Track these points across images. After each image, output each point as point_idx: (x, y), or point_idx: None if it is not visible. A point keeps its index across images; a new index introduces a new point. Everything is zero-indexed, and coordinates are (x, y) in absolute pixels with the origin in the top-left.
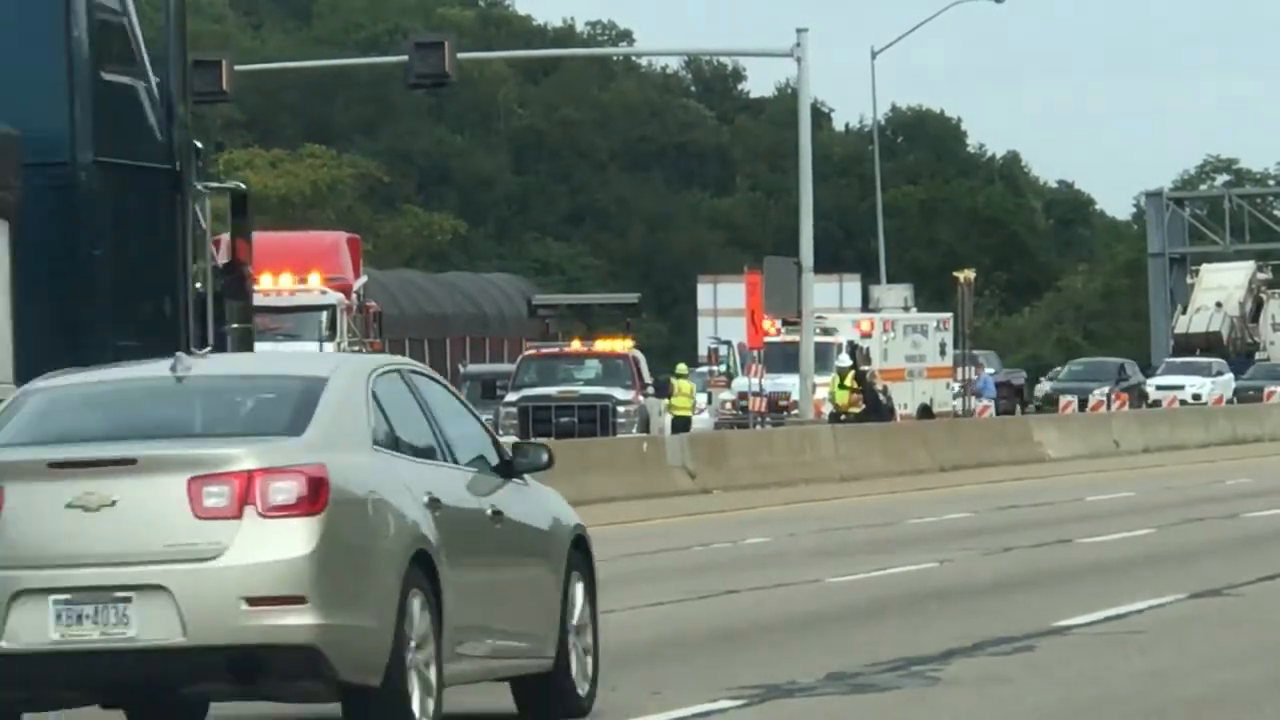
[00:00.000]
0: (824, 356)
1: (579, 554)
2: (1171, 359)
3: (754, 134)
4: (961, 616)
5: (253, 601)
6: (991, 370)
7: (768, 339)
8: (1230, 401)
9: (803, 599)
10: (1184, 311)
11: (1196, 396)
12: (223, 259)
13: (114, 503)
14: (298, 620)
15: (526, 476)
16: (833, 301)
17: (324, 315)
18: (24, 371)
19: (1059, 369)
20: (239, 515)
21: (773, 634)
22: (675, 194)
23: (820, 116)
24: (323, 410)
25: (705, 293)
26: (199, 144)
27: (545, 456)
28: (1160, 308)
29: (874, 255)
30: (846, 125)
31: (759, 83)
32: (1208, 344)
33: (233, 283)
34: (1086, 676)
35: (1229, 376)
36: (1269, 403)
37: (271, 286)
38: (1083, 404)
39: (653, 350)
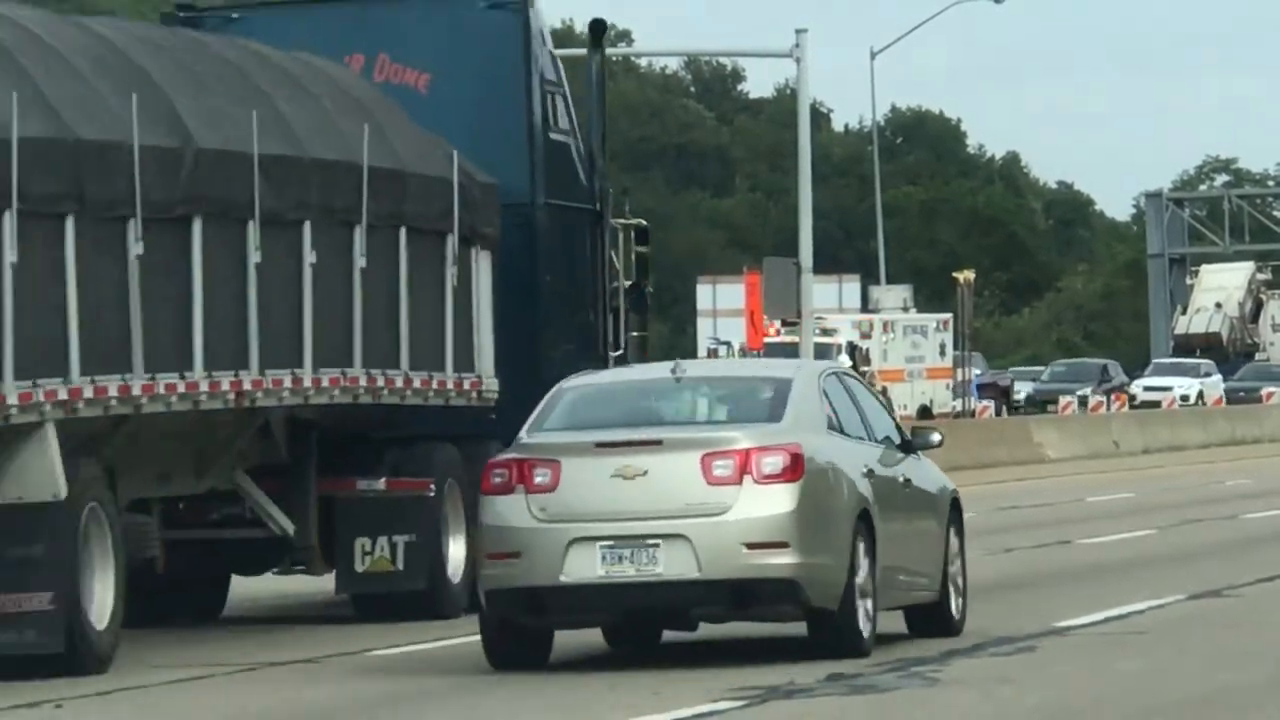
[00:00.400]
0: (823, 357)
1: (954, 512)
2: (1160, 360)
3: (754, 134)
4: None
5: (750, 546)
6: (978, 371)
7: (767, 339)
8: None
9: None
10: (1184, 312)
11: (1185, 398)
12: (628, 280)
13: (645, 473)
14: (783, 560)
15: (919, 452)
16: (832, 302)
17: None
18: (498, 368)
19: (1020, 369)
20: (739, 482)
21: (773, 634)
22: (675, 194)
23: (820, 117)
24: (793, 403)
25: (705, 293)
26: (611, 188)
27: (937, 437)
28: (1160, 308)
29: (874, 255)
30: (846, 126)
31: (759, 83)
32: (1207, 344)
33: (636, 299)
34: (1086, 676)
35: (1217, 378)
36: (1269, 404)
37: None
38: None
39: (653, 350)
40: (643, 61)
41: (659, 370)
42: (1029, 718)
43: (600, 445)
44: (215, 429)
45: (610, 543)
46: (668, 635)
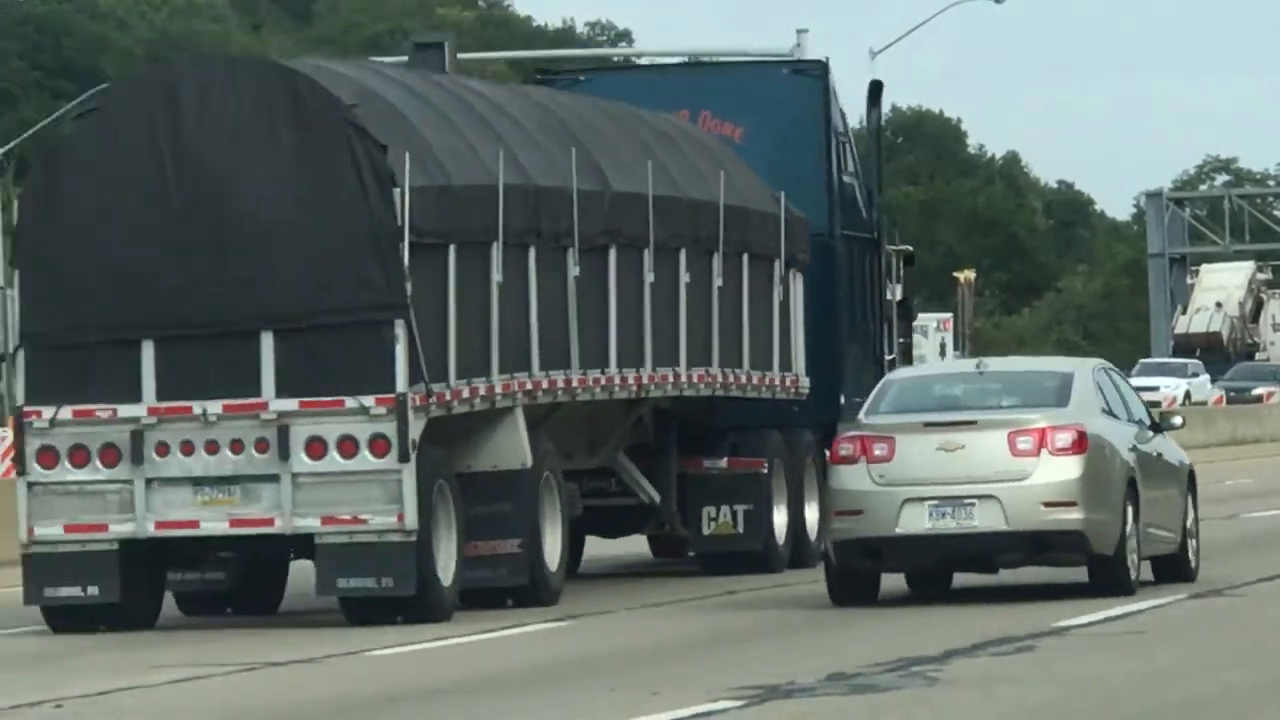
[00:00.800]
0: None
1: (1190, 482)
2: (1146, 360)
3: None
4: (961, 616)
5: (1046, 504)
6: None
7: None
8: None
9: (803, 599)
10: (1184, 312)
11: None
12: (898, 296)
13: (963, 447)
14: (1072, 515)
15: (1164, 432)
16: None
17: None
18: (809, 368)
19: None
20: (1038, 454)
21: (773, 634)
22: None
23: None
24: (1075, 391)
25: None
26: (887, 219)
27: (1179, 420)
28: (1160, 308)
29: None
30: None
31: None
32: (1208, 344)
33: (903, 312)
34: (1086, 676)
35: (1204, 378)
36: (1269, 403)
37: None
38: None
39: None
40: (643, 61)
41: (965, 366)
42: (1029, 718)
43: (927, 425)
44: (607, 417)
45: (936, 502)
46: (959, 579)
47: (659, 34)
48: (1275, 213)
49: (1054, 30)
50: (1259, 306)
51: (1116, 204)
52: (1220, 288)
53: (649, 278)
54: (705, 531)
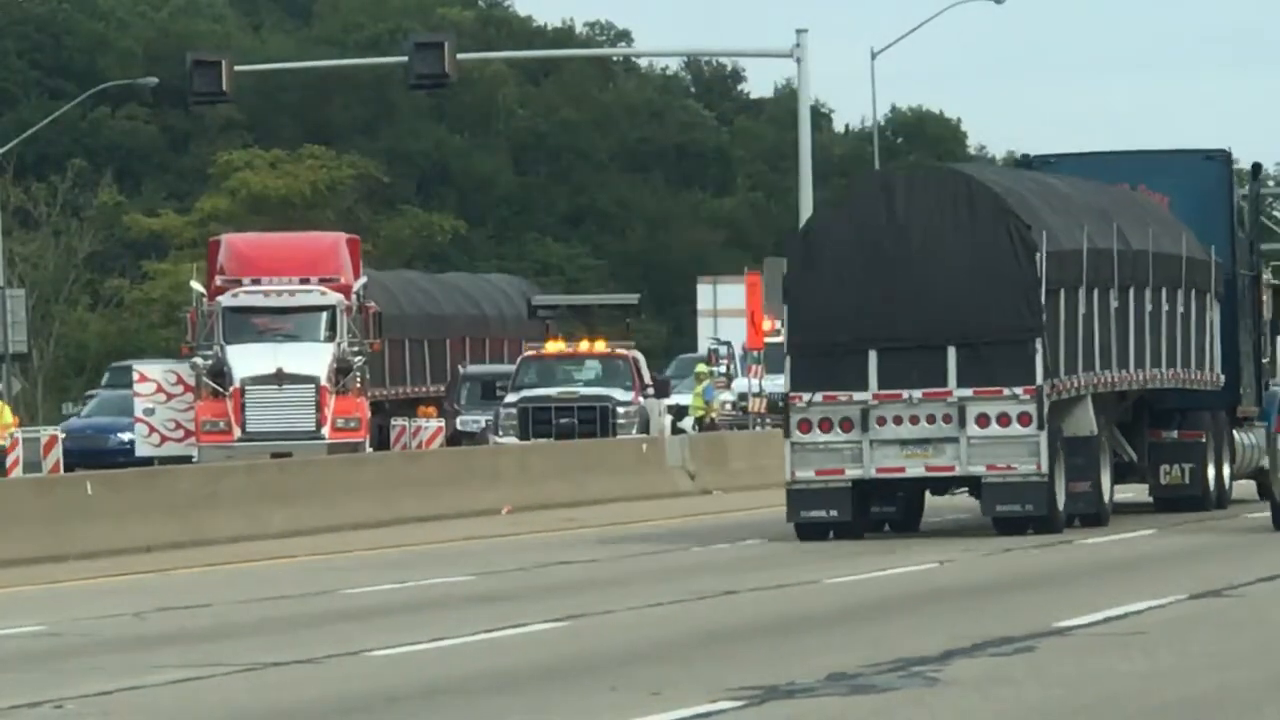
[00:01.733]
0: None
1: None
2: None
3: (754, 134)
4: (961, 616)
5: None
6: None
7: (768, 339)
8: None
9: (803, 599)
10: None
11: None
12: (1269, 316)
13: None
14: None
15: None
16: None
17: (324, 316)
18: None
19: None
20: None
21: (773, 634)
22: (675, 195)
23: (820, 117)
24: None
25: (705, 293)
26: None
27: None
28: None
29: None
30: (846, 126)
31: (759, 83)
32: None
33: (1274, 328)
34: (1086, 676)
35: None
36: None
37: (271, 287)
38: None
39: (653, 350)
40: (643, 61)
41: None
42: (1029, 718)
43: None
44: (1113, 401)
45: None
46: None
47: (659, 34)
48: (1275, 213)
49: (1054, 30)
50: None
51: None
52: None
53: (1148, 308)
54: (1162, 482)
